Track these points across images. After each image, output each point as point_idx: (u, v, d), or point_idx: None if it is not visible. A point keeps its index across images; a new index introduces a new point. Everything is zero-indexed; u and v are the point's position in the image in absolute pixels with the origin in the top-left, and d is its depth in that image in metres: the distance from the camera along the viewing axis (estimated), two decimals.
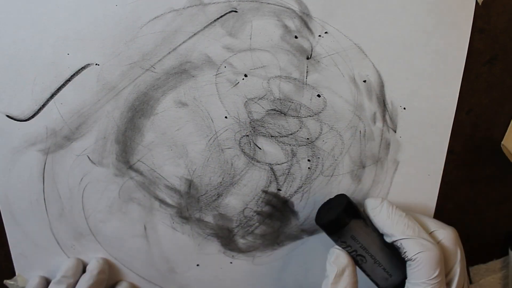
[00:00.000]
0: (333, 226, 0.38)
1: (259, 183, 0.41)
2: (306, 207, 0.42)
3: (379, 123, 0.39)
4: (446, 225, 0.39)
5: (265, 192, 0.42)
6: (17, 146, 0.40)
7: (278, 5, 0.35)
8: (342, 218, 0.37)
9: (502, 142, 0.41)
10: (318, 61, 0.37)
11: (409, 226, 0.36)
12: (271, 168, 0.41)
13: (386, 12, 0.36)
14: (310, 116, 0.39)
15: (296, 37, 0.36)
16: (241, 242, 0.44)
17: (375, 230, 0.38)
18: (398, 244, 0.36)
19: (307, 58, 0.37)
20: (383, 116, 0.39)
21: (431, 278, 0.34)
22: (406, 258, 0.35)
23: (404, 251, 0.35)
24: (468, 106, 0.39)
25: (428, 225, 0.38)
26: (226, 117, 0.39)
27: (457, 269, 0.37)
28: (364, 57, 0.37)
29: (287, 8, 0.36)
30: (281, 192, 0.42)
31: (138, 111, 0.39)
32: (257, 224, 0.43)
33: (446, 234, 0.37)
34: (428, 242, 0.35)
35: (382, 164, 0.41)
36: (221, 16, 0.36)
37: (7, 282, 0.47)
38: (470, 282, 0.47)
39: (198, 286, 0.47)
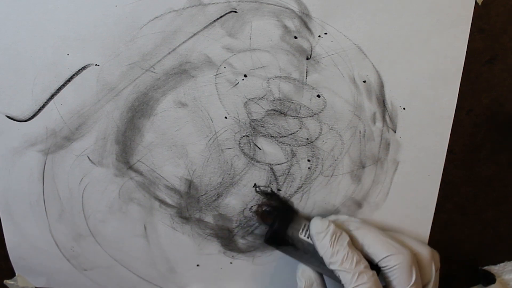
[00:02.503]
0: (273, 242, 0.40)
1: (259, 183, 0.41)
2: (306, 207, 0.42)
3: (379, 123, 0.39)
4: (403, 248, 0.37)
5: (264, 192, 0.42)
6: (17, 147, 0.40)
7: (277, 5, 0.35)
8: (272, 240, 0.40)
9: None
10: (318, 61, 0.37)
11: (348, 258, 0.36)
12: (271, 168, 0.41)
13: (385, 12, 0.36)
14: (310, 116, 0.39)
15: (295, 37, 0.36)
16: (241, 242, 0.44)
17: (308, 252, 0.39)
18: (336, 273, 0.37)
19: (307, 59, 0.37)
20: (383, 116, 0.39)
21: None
22: None
23: (342, 282, 0.36)
24: (468, 106, 0.39)
25: (381, 250, 0.38)
26: (226, 118, 0.39)
27: None
28: (364, 57, 0.37)
29: (287, 8, 0.36)
30: (281, 192, 0.42)
31: (138, 112, 0.39)
32: (257, 224, 0.43)
33: (399, 260, 0.37)
34: (365, 275, 0.36)
35: (382, 164, 0.41)
36: (221, 17, 0.36)
37: (7, 282, 0.47)
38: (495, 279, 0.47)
39: (198, 286, 0.47)
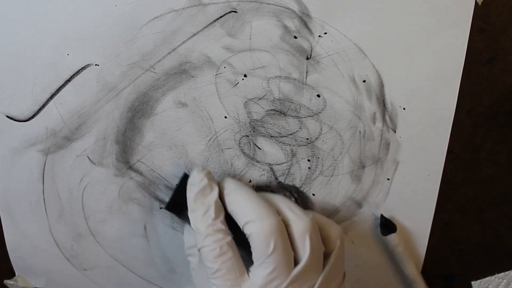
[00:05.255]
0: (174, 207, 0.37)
1: (259, 183, 0.41)
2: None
3: (379, 123, 0.39)
4: (266, 215, 0.33)
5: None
6: (17, 147, 0.40)
7: (277, 5, 0.35)
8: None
9: None
10: (318, 61, 0.37)
11: (205, 217, 0.33)
12: (271, 168, 0.41)
13: (385, 12, 0.36)
14: (309, 116, 0.39)
15: (295, 37, 0.36)
16: None
17: None
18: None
19: (307, 58, 0.37)
20: (383, 116, 0.39)
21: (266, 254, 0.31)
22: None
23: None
24: (468, 106, 0.39)
25: (242, 216, 0.33)
26: (225, 117, 0.39)
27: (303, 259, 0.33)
28: (364, 57, 0.37)
29: (287, 8, 0.36)
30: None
31: (138, 112, 0.39)
32: None
33: (255, 228, 0.32)
34: (211, 237, 0.32)
35: (382, 164, 0.41)
36: (221, 17, 0.36)
37: (7, 282, 0.47)
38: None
39: (198, 287, 0.47)
